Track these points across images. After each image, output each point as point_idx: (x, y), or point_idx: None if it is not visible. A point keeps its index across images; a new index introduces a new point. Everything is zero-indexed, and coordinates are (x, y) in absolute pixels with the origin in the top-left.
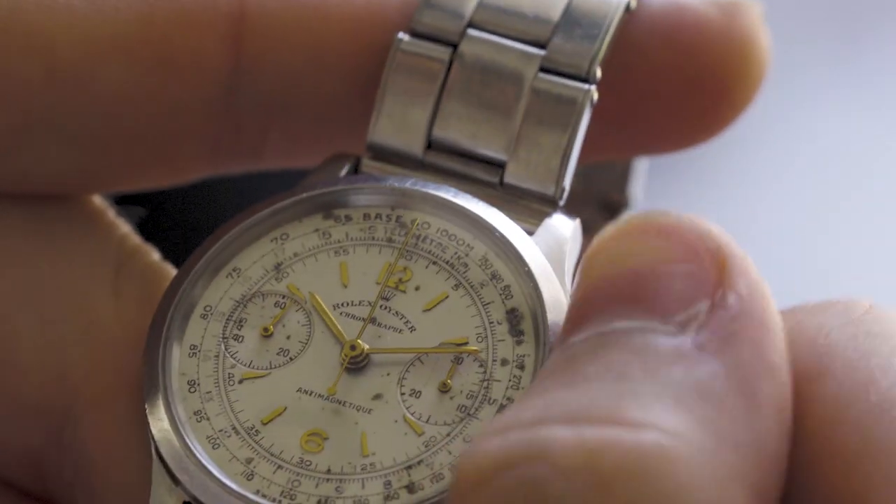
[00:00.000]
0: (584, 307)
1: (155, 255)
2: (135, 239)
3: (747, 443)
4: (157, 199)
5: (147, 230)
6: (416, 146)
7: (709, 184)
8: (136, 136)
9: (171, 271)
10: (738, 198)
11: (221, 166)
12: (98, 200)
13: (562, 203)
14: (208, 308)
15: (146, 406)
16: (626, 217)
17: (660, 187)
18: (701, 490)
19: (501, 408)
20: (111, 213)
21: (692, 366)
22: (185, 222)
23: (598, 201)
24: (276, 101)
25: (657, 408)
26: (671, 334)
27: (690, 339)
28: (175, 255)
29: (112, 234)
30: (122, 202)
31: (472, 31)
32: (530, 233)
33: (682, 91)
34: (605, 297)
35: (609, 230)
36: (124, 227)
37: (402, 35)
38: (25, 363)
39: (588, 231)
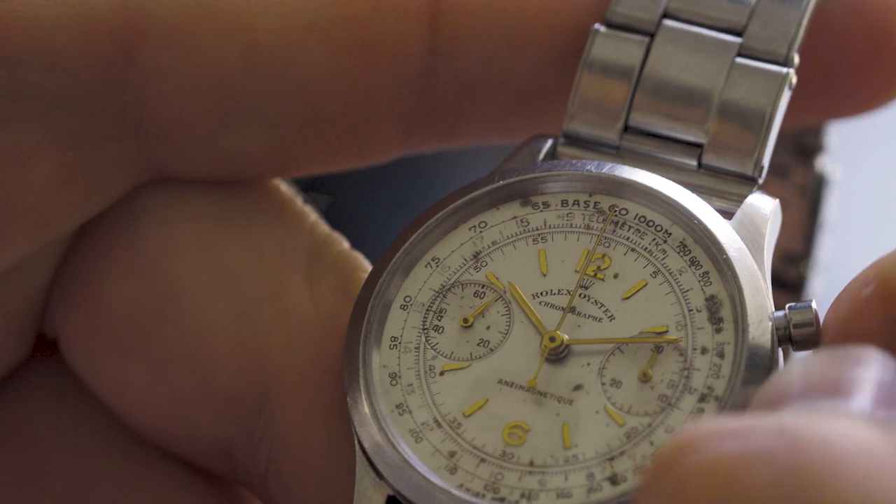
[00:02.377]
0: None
1: (345, 243)
2: (325, 227)
3: None
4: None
5: (331, 218)
6: (612, 132)
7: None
8: (332, 119)
9: (362, 260)
10: None
11: (415, 147)
12: (286, 188)
13: (760, 182)
14: (408, 299)
15: (348, 399)
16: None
17: (855, 131)
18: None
19: (702, 397)
20: (300, 201)
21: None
22: (366, 211)
23: (794, 146)
24: (472, 81)
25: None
26: (874, 422)
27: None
28: (358, 243)
29: (303, 222)
30: (307, 189)
31: (667, 21)
32: (729, 214)
33: (869, 55)
34: (804, 389)
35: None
36: (314, 215)
37: (597, 26)
38: (221, 352)
39: (783, 174)
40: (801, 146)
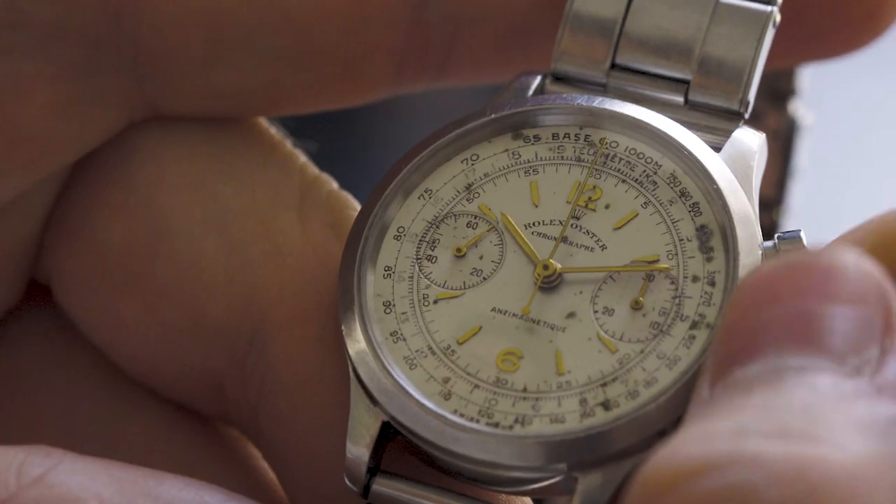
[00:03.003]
0: (751, 339)
1: (334, 183)
2: (314, 168)
3: None
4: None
5: (318, 164)
6: (600, 70)
7: (875, 69)
8: (325, 52)
9: (352, 199)
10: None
11: (405, 84)
12: (276, 131)
13: (746, 116)
14: (401, 229)
15: (342, 327)
16: (790, 254)
17: (827, 74)
18: None
19: (693, 324)
20: (290, 144)
21: (874, 405)
22: (352, 159)
23: (767, 90)
24: (462, 14)
25: (851, 436)
26: (848, 376)
27: (866, 382)
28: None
29: (294, 162)
30: (295, 135)
31: None
32: (717, 148)
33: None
34: (773, 332)
35: (773, 264)
36: (303, 157)
37: None
38: (213, 285)
39: (758, 119)
40: (775, 90)
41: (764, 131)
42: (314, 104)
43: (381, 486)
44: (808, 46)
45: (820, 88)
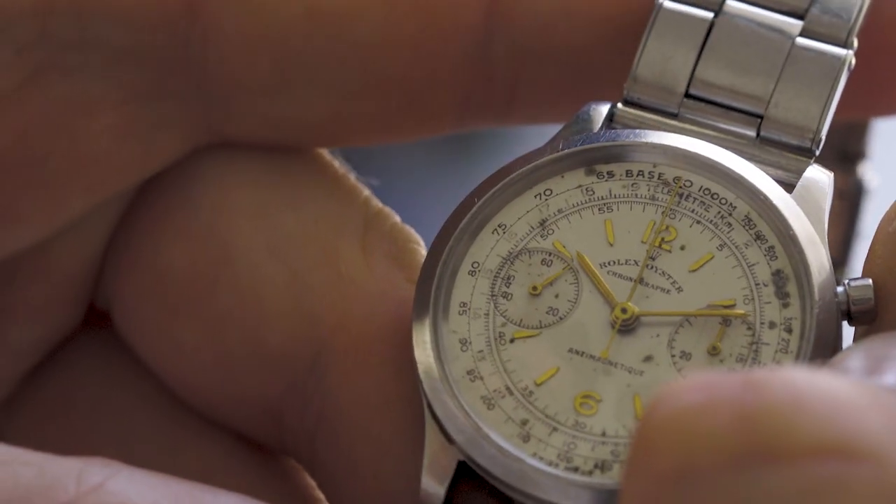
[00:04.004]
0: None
1: (397, 217)
2: (377, 201)
3: None
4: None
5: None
6: (673, 99)
7: None
8: (389, 86)
9: (415, 233)
10: None
11: (470, 121)
12: (339, 164)
13: (817, 153)
14: (475, 265)
15: (417, 362)
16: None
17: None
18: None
19: None
20: (353, 177)
21: None
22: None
23: (835, 152)
24: (529, 50)
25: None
26: None
27: None
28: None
29: (357, 194)
30: (358, 170)
31: (730, 2)
32: (788, 186)
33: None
34: None
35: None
36: (366, 191)
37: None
38: (273, 311)
39: None
40: (843, 151)
41: (833, 194)
42: (377, 137)
43: None
44: (875, 98)
45: (887, 149)
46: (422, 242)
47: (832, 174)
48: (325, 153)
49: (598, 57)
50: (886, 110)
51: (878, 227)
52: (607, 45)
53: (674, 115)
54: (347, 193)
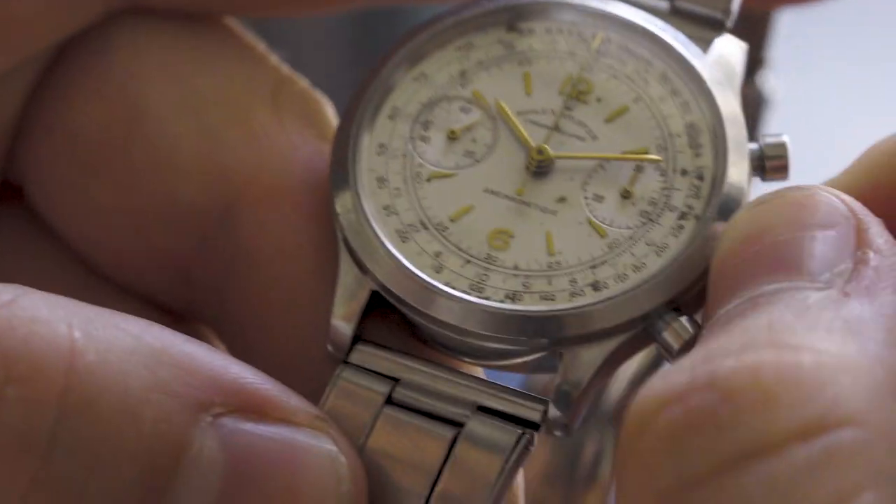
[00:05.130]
0: (732, 280)
1: (307, 83)
2: (288, 68)
3: None
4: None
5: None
6: None
7: (849, 45)
8: None
9: (325, 99)
10: (879, 57)
11: None
12: (250, 35)
13: (729, 25)
14: (395, 109)
15: (333, 197)
16: (762, 195)
17: (800, 49)
18: (859, 397)
19: (682, 215)
20: (262, 45)
21: (840, 307)
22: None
23: None
24: None
25: (812, 336)
26: (819, 289)
27: (836, 290)
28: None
29: (268, 60)
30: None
31: None
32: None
33: None
34: (752, 268)
35: (748, 207)
36: (276, 58)
37: None
38: (185, 166)
39: None
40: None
41: None
42: (287, 8)
43: (362, 352)
44: None
45: (794, 61)
46: (331, 105)
47: (746, 44)
48: (237, 23)
49: None
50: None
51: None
52: None
53: None
54: (258, 58)
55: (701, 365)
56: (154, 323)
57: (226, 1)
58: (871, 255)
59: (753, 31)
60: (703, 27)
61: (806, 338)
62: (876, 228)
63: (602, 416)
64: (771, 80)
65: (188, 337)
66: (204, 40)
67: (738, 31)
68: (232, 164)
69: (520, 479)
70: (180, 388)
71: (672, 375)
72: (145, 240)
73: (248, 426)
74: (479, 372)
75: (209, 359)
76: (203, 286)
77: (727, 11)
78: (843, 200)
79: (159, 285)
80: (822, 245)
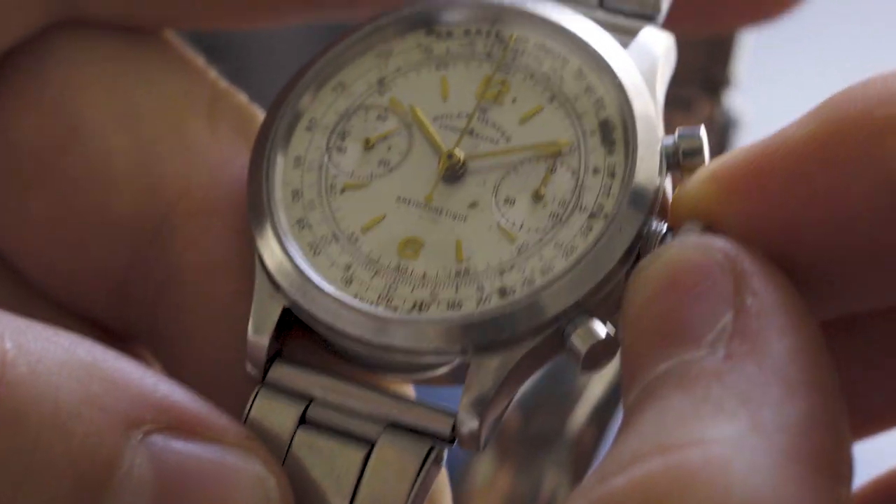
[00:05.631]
0: (632, 364)
1: (245, 97)
2: (225, 82)
3: (796, 421)
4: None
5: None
6: None
7: (813, 60)
8: None
9: (261, 112)
10: (844, 70)
11: (319, 7)
12: (189, 50)
13: (658, 20)
14: (313, 121)
15: (249, 214)
16: (645, 259)
17: (764, 65)
18: (756, 482)
19: (592, 215)
20: (201, 60)
21: (726, 376)
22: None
23: (700, 79)
24: None
25: (700, 425)
26: (704, 357)
27: (721, 354)
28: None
29: (206, 74)
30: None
31: None
32: (625, 46)
33: None
34: (645, 348)
35: (635, 274)
36: (214, 72)
37: None
38: (119, 178)
39: (689, 107)
40: (708, 80)
41: (696, 120)
42: (230, 18)
43: (279, 371)
44: (721, 13)
45: (761, 79)
46: None
47: (672, 36)
48: (176, 37)
49: None
50: (763, 15)
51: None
52: None
53: None
54: (196, 72)
55: (596, 487)
56: (85, 338)
57: (164, 15)
58: (749, 300)
59: (718, 50)
60: (632, 21)
61: (695, 429)
62: (751, 267)
63: (561, 450)
64: (738, 100)
65: (119, 353)
66: (142, 53)
67: (701, 50)
68: (165, 178)
69: (446, 488)
70: (111, 403)
71: (572, 501)
72: (79, 253)
73: (179, 444)
74: (408, 388)
75: (140, 375)
76: (138, 302)
77: (655, 6)
78: (717, 249)
79: (95, 301)
80: (701, 305)
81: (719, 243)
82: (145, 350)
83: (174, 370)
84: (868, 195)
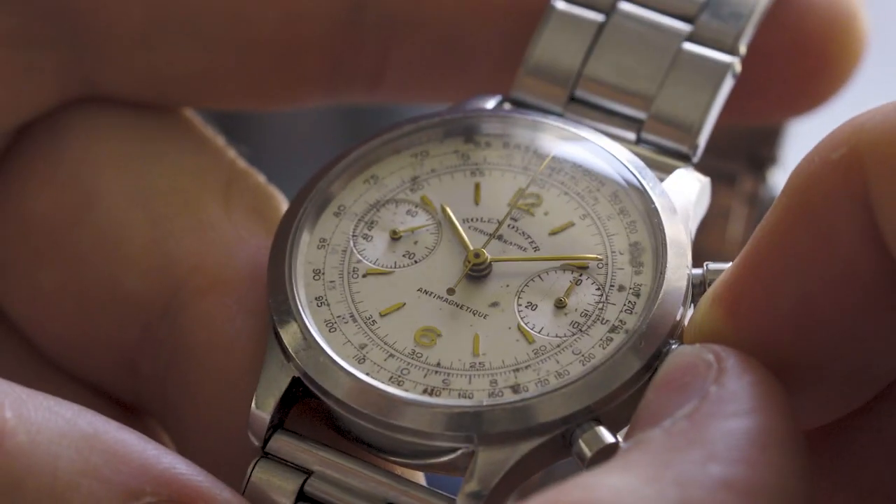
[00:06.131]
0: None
1: (262, 178)
2: (244, 163)
3: (702, 482)
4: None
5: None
6: (558, 102)
7: None
8: (260, 45)
9: (279, 193)
10: None
11: (339, 91)
12: (209, 129)
13: (695, 160)
14: (342, 207)
15: (268, 286)
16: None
17: (810, 145)
18: None
19: (613, 328)
20: (221, 140)
21: (651, 444)
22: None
23: (746, 156)
24: (400, 18)
25: (599, 475)
26: (652, 434)
27: (666, 431)
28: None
29: (223, 154)
30: (228, 135)
31: (622, 4)
32: (661, 180)
33: (788, 64)
34: (645, 419)
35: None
36: (233, 153)
37: (555, 2)
38: (132, 254)
39: (734, 183)
40: (754, 157)
41: (739, 196)
42: (247, 100)
43: (280, 442)
44: (778, 102)
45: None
46: (285, 201)
47: (707, 179)
48: (195, 116)
49: (469, 36)
50: (802, 109)
51: (818, 146)
52: (480, 25)
53: (559, 117)
54: (214, 151)
55: None
56: (88, 409)
57: (181, 95)
58: (713, 388)
59: (764, 128)
60: (669, 158)
61: (592, 478)
62: (732, 363)
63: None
64: (783, 178)
65: (121, 424)
66: (159, 131)
67: (750, 132)
68: (177, 255)
69: None
70: (111, 474)
71: None
72: (88, 326)
73: None
74: (417, 475)
75: (141, 447)
76: (148, 376)
77: (693, 146)
78: (710, 350)
79: (104, 373)
80: (678, 396)
81: (715, 347)
82: (154, 421)
83: (182, 442)
84: (829, 281)
